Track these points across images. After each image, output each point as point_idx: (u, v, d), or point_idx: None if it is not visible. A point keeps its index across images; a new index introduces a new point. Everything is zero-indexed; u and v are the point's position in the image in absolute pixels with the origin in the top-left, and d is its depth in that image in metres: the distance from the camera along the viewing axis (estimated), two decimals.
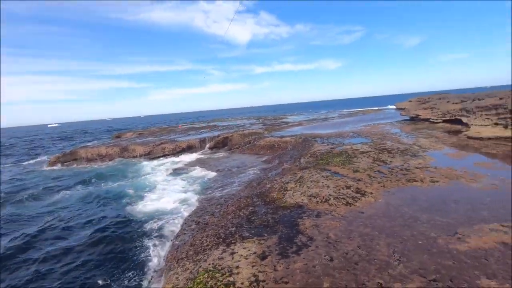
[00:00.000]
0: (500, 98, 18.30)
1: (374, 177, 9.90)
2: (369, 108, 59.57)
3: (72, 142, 51.16)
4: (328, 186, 9.27)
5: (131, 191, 15.19)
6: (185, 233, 8.79)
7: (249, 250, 5.87)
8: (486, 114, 17.79)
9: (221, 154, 24.18)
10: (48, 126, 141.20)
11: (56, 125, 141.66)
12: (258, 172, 15.52)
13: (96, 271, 8.04)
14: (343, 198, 8.19)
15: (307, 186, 9.56)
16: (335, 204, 7.86)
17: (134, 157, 25.60)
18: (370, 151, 13.71)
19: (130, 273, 7.62)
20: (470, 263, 4.77)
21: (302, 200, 8.47)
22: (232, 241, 6.43)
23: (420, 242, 5.58)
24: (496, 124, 16.61)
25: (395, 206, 7.43)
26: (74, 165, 25.23)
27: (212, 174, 17.04)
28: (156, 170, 19.86)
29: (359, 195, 8.41)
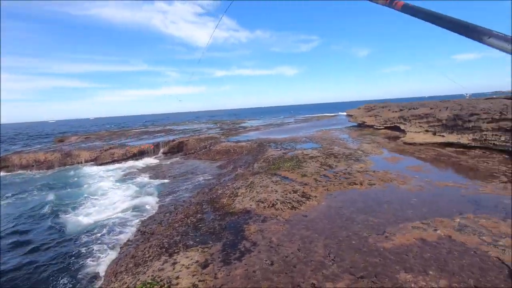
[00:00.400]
0: (431, 108, 20.62)
1: (319, 181, 10.43)
2: (323, 114, 62.78)
3: (15, 146, 45.43)
4: (276, 191, 9.53)
5: (69, 201, 13.98)
6: (129, 245, 8.36)
7: (191, 259, 5.77)
8: (419, 122, 19.88)
9: (175, 159, 23.49)
10: None
11: None
12: (212, 177, 15.38)
13: None
14: (289, 203, 8.49)
15: (257, 192, 9.73)
16: (281, 209, 8.11)
17: (78, 163, 23.65)
18: (319, 156, 14.43)
19: None
20: (393, 259, 5.26)
21: (251, 205, 8.59)
22: (176, 251, 6.27)
23: (353, 242, 6.01)
24: (427, 131, 18.64)
25: (335, 209, 7.91)
26: (4, 174, 22.44)
27: (164, 180, 16.45)
28: (102, 177, 18.56)
29: (304, 198, 8.80)
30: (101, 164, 22.89)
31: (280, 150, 17.63)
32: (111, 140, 31.71)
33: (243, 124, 43.90)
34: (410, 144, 17.41)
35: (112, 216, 11.54)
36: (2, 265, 8.66)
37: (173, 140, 27.89)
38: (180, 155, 25.30)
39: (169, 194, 13.45)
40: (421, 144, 17.01)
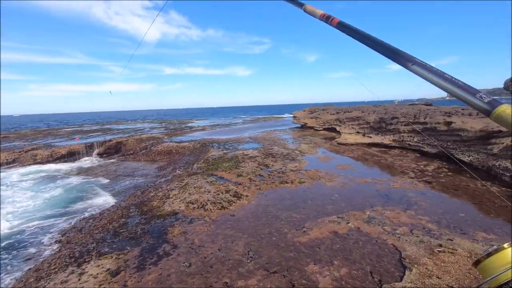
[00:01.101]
0: (362, 112, 22.58)
1: (253, 181, 10.62)
2: (272, 116, 64.51)
3: None
4: (209, 192, 9.43)
5: None
6: (39, 256, 7.45)
7: (102, 267, 5.35)
8: (351, 124, 21.63)
9: (111, 161, 21.81)
10: None
11: None
12: (148, 180, 14.63)
13: None
14: (220, 203, 8.46)
15: (189, 193, 9.51)
16: (210, 209, 8.04)
17: None
18: (258, 156, 14.73)
19: None
20: (307, 253, 5.57)
21: (180, 207, 8.35)
22: (86, 260, 5.76)
23: (274, 239, 6.22)
24: (358, 132, 20.37)
25: (263, 207, 8.12)
26: None
27: (95, 184, 15.12)
28: (19, 181, 16.33)
29: (235, 198, 8.86)
30: (21, 167, 20.13)
31: (222, 150, 17.56)
32: (35, 140, 28.15)
33: (190, 124, 42.79)
34: (343, 144, 18.80)
35: (28, 226, 10.18)
36: None
37: (110, 140, 25.88)
38: (118, 156, 23.59)
39: (97, 195, 12.39)
40: (352, 144, 18.50)
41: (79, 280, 5.02)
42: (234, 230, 6.72)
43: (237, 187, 9.91)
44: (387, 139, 17.16)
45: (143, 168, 18.30)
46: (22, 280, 5.76)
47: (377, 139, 17.92)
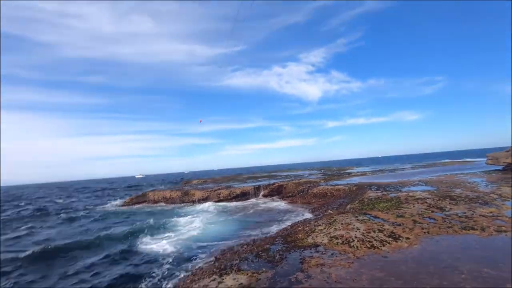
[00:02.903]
0: None
1: (419, 223, 8.27)
2: (453, 160, 51.79)
3: (151, 188, 57.60)
4: (358, 229, 8.11)
5: (164, 225, 16.04)
6: (202, 266, 8.62)
7: (237, 281, 5.39)
8: None
9: (272, 201, 23.80)
10: (136, 176, 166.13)
11: (142, 176, 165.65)
12: (299, 218, 14.62)
13: None
14: (369, 241, 7.00)
15: (335, 228, 8.55)
16: (357, 246, 6.75)
17: (192, 201, 27.20)
18: (428, 198, 11.66)
19: None
20: None
21: (322, 240, 7.56)
22: (228, 272, 6.02)
23: None
24: None
25: (432, 253, 5.97)
26: (141, 205, 28.09)
27: (256, 218, 16.72)
28: (203, 212, 20.56)
29: (390, 239, 7.08)
30: (209, 202, 25.59)
31: (381, 192, 15.29)
32: (222, 183, 35.44)
33: (348, 171, 41.10)
34: None
35: (194, 244, 12.31)
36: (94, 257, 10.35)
37: (273, 184, 28.70)
38: (278, 197, 25.54)
39: (255, 228, 13.50)
40: None
41: (216, 287, 5.23)
42: (385, 273, 5.19)
43: (394, 227, 7.99)
44: None
45: (297, 207, 18.67)
46: (183, 280, 6.70)
47: None
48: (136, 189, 50.86)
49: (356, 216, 9.82)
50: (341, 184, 22.00)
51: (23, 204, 40.16)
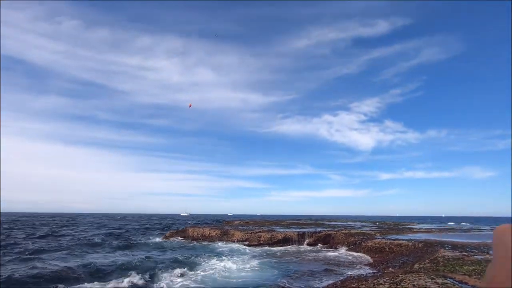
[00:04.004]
0: None
1: None
2: None
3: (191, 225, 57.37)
4: None
5: (197, 261, 14.53)
6: None
7: None
8: None
9: (318, 250, 21.04)
10: (181, 214, 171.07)
11: (187, 214, 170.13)
12: (352, 273, 12.09)
13: None
14: None
15: None
16: None
17: (232, 241, 25.59)
18: None
19: None
20: None
21: None
22: None
23: None
24: None
25: None
26: (180, 239, 27.30)
27: (299, 267, 14.46)
28: (240, 254, 18.79)
29: None
30: (248, 245, 23.72)
31: (460, 252, 12.14)
32: (264, 226, 33.38)
33: (409, 226, 35.77)
34: None
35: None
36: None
37: (320, 232, 25.89)
38: (325, 246, 22.64)
39: (297, 279, 11.41)
40: None
41: None
42: None
43: None
44: None
45: (349, 261, 15.88)
46: None
47: None
48: (178, 225, 51.04)
49: (433, 278, 7.43)
50: (402, 240, 18.60)
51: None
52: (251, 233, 26.29)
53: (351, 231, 25.60)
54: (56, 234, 32.48)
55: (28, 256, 16.52)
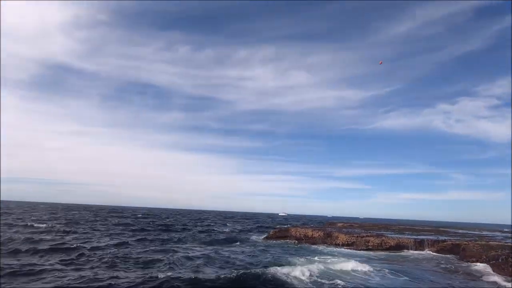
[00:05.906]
0: None
1: None
2: None
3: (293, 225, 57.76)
4: None
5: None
6: None
7: None
8: None
9: (444, 261, 17.71)
10: (279, 214, 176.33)
11: (284, 214, 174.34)
12: None
13: None
14: None
15: None
16: None
17: (336, 244, 24.37)
18: None
19: None
20: None
21: None
22: None
23: None
24: None
25: None
26: (282, 240, 27.70)
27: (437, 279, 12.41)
28: (351, 258, 17.48)
29: None
30: (355, 250, 22.10)
31: None
32: (370, 230, 30.63)
33: None
34: None
35: None
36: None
37: (444, 241, 21.90)
38: (456, 259, 18.90)
39: None
40: None
41: None
42: None
43: None
44: None
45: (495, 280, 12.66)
46: None
47: None
48: (280, 224, 52.29)
49: None
50: None
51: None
52: (357, 236, 24.46)
53: (490, 242, 20.58)
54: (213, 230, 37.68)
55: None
